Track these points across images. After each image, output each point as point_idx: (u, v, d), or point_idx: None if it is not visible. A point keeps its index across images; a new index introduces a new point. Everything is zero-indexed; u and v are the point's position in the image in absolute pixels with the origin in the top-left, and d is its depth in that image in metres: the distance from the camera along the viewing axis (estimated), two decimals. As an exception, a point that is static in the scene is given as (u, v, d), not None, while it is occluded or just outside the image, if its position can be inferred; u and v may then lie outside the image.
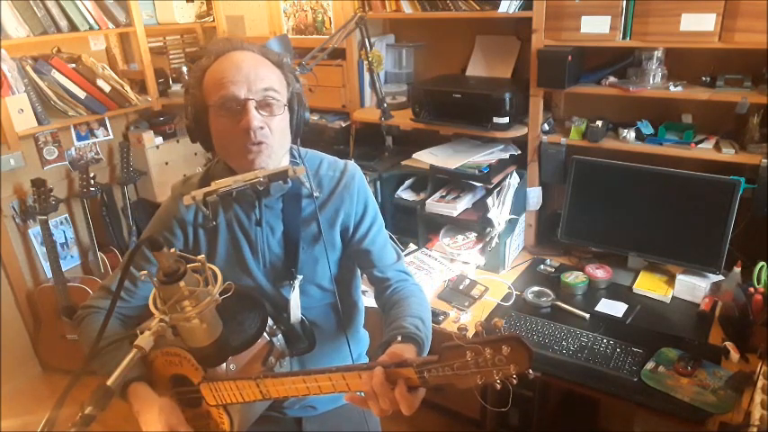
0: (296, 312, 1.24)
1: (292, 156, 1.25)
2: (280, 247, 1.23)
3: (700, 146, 1.80)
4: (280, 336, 1.16)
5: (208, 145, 1.16)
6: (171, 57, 3.22)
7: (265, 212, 1.21)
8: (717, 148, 1.79)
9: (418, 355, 1.03)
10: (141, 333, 0.84)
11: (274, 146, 1.12)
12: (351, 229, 1.27)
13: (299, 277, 1.23)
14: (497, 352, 0.74)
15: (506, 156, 2.18)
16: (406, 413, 0.87)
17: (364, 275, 1.36)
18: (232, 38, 1.15)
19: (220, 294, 0.87)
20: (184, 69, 3.03)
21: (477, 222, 2.11)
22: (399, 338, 1.04)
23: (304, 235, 1.23)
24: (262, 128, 1.08)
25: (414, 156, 2.23)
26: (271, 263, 1.24)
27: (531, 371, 0.75)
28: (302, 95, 1.19)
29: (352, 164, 1.29)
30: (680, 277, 1.86)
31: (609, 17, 1.77)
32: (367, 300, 1.94)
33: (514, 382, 0.76)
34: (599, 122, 1.93)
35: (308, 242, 1.24)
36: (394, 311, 1.18)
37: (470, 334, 0.80)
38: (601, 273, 1.95)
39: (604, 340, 1.66)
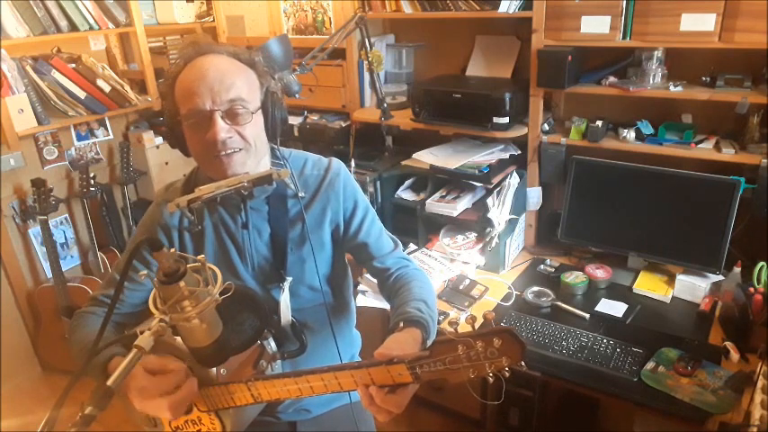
0: (286, 314, 1.23)
1: (275, 156, 1.23)
2: (268, 250, 1.23)
3: (700, 146, 1.80)
4: (270, 339, 1.15)
5: (186, 151, 1.15)
6: (171, 57, 3.22)
7: (251, 215, 1.20)
8: (717, 148, 1.78)
9: (424, 336, 1.03)
10: (141, 333, 0.84)
11: (248, 151, 1.11)
12: (342, 226, 1.27)
13: (289, 279, 1.22)
14: (489, 345, 0.74)
15: (506, 156, 2.18)
16: (396, 411, 0.88)
17: (366, 274, 1.36)
18: (201, 41, 1.14)
19: (220, 294, 0.87)
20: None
21: (477, 222, 2.11)
22: (401, 324, 1.04)
23: (292, 236, 1.22)
24: (231, 137, 1.07)
25: (414, 156, 2.23)
26: (259, 265, 1.23)
27: (523, 363, 0.75)
28: (278, 94, 1.17)
29: (336, 161, 1.28)
30: (680, 277, 1.86)
31: (609, 17, 1.77)
32: (363, 299, 1.95)
33: (507, 375, 0.76)
34: (599, 122, 1.93)
35: (296, 243, 1.23)
36: (398, 299, 1.18)
37: (461, 329, 0.80)
38: (601, 273, 1.95)
39: (604, 340, 1.66)
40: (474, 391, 0.84)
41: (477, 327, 0.81)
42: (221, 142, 1.06)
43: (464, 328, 0.79)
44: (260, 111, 1.13)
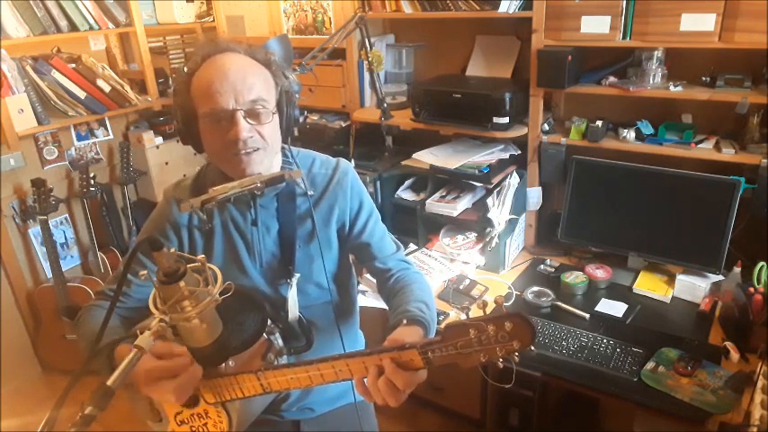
0: (293, 311, 1.24)
1: (285, 156, 1.25)
2: (276, 246, 1.24)
3: (700, 146, 1.80)
4: (277, 334, 1.16)
5: (199, 148, 1.16)
6: (171, 57, 3.22)
7: (260, 212, 1.21)
8: (717, 148, 1.78)
9: (424, 336, 1.03)
10: (141, 333, 0.84)
11: (266, 150, 1.12)
12: (347, 225, 1.28)
13: (297, 275, 1.23)
14: (500, 328, 0.75)
15: (506, 156, 2.18)
16: (401, 387, 0.86)
17: (366, 274, 1.36)
18: (218, 39, 1.15)
19: (220, 294, 0.87)
20: (185, 69, 3.03)
21: (477, 222, 2.11)
22: (405, 321, 1.04)
23: (300, 233, 1.24)
24: (251, 136, 1.09)
25: (414, 156, 2.23)
26: (267, 262, 1.24)
27: (533, 347, 0.75)
28: (291, 93, 1.18)
29: (344, 161, 1.30)
30: (680, 277, 1.86)
31: (609, 17, 1.77)
32: (363, 299, 1.95)
33: (517, 359, 0.77)
34: (599, 122, 1.93)
35: (304, 240, 1.24)
36: (397, 299, 1.18)
37: (473, 314, 0.80)
38: (601, 273, 1.95)
39: (604, 340, 1.66)
40: (481, 379, 0.84)
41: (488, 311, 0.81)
42: (243, 141, 1.07)
43: (475, 312, 0.79)
44: (275, 113, 1.14)
